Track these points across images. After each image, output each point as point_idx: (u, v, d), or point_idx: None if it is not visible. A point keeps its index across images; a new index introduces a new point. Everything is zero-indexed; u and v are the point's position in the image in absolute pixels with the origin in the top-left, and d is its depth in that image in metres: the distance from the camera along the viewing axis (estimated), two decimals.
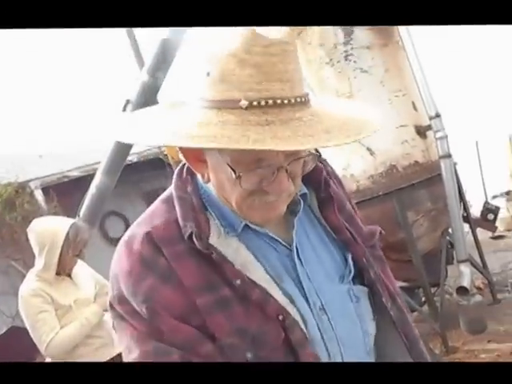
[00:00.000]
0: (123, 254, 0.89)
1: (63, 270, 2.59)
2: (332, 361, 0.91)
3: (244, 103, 0.76)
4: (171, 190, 0.94)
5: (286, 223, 0.95)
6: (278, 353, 0.86)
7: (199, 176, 0.91)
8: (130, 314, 0.87)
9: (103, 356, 2.44)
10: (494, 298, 4.32)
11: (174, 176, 0.94)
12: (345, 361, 0.93)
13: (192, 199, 0.90)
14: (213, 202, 0.91)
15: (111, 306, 0.91)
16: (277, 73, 0.77)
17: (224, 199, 0.90)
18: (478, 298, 3.74)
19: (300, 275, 0.92)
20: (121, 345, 0.90)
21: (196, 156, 0.87)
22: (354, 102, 0.97)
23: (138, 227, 0.91)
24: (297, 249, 0.94)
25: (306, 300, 0.91)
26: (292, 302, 0.89)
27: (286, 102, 0.77)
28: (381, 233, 1.08)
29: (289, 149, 0.76)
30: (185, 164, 0.94)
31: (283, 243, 0.93)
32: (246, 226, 0.90)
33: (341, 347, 0.92)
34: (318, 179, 0.99)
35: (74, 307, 2.52)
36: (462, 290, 3.67)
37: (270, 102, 0.77)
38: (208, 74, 0.79)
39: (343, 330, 0.93)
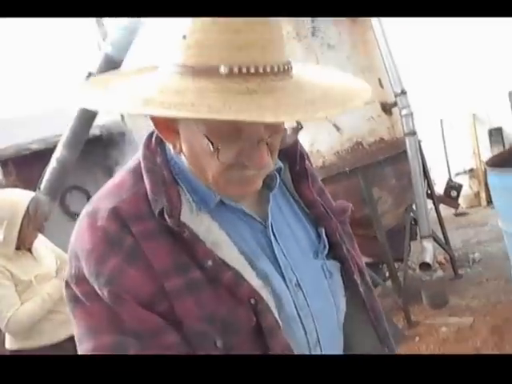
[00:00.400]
0: (85, 229, 0.82)
1: (23, 245, 2.51)
2: (308, 337, 0.90)
3: (224, 70, 0.70)
4: (138, 159, 0.87)
5: (260, 198, 0.92)
6: (248, 340, 0.83)
7: (170, 147, 0.84)
8: (89, 296, 0.81)
9: (65, 332, 2.39)
10: (455, 273, 4.43)
11: (142, 145, 0.88)
12: (319, 337, 0.91)
13: (162, 171, 0.84)
14: (184, 176, 0.85)
15: (67, 285, 0.84)
16: (259, 38, 0.72)
17: (198, 172, 0.84)
18: (440, 273, 3.83)
19: (276, 252, 0.89)
20: (75, 331, 0.83)
21: (168, 125, 0.81)
22: (335, 70, 0.92)
23: (103, 201, 0.84)
24: (272, 225, 0.90)
25: (283, 277, 0.89)
26: (267, 280, 0.86)
27: (268, 69, 0.72)
28: (352, 209, 1.07)
29: (278, 120, 0.71)
30: (153, 132, 0.88)
31: (258, 219, 0.90)
32: (220, 201, 0.85)
33: (316, 324, 0.91)
34: (293, 153, 0.96)
35: (35, 282, 2.46)
36: (424, 266, 3.75)
37: (252, 69, 0.71)
38: (184, 38, 0.73)
39: (317, 306, 0.92)
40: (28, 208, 2.46)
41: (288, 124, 0.84)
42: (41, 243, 2.63)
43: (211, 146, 0.76)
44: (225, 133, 0.76)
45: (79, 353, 0.81)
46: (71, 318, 0.85)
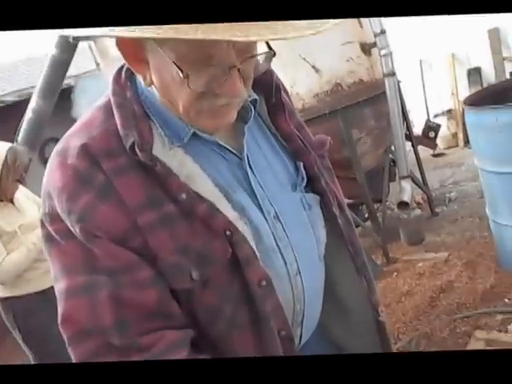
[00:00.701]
0: (56, 168, 0.82)
1: (4, 196, 2.50)
2: (288, 267, 0.91)
3: None
4: (108, 96, 0.85)
5: (236, 131, 0.91)
6: (225, 271, 0.84)
7: (140, 78, 0.82)
8: (63, 234, 0.80)
9: (50, 279, 2.42)
10: (432, 212, 4.53)
11: (111, 80, 0.86)
12: (299, 267, 0.93)
13: (132, 106, 0.82)
14: (156, 110, 0.84)
15: (42, 225, 0.84)
16: None
17: (169, 104, 0.82)
18: (418, 211, 3.92)
19: (252, 184, 0.89)
20: (51, 270, 0.84)
21: (137, 55, 0.78)
22: None
23: (73, 138, 0.83)
24: (247, 157, 0.90)
25: (260, 209, 0.89)
26: (244, 212, 0.86)
27: None
28: (330, 143, 1.07)
29: (247, 40, 0.68)
30: (122, 67, 0.86)
31: (233, 152, 0.89)
32: (194, 134, 0.84)
33: (295, 254, 0.92)
34: (268, 84, 0.94)
35: (20, 233, 2.47)
36: (402, 205, 3.83)
37: None
38: None
39: (297, 238, 0.93)
40: (6, 158, 2.43)
41: (260, 51, 0.82)
42: (22, 194, 2.62)
43: (181, 73, 0.74)
44: (194, 59, 0.74)
45: (56, 291, 0.82)
46: (48, 258, 0.85)
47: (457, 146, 6.41)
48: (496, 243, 3.26)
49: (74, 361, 0.80)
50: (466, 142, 5.91)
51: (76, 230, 0.79)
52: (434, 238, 4.01)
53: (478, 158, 3.10)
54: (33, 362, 2.56)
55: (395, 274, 3.63)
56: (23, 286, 2.47)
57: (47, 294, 2.36)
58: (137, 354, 0.77)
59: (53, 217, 0.81)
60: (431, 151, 6.13)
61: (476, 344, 2.55)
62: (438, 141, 6.13)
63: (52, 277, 0.84)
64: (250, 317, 0.86)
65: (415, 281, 3.44)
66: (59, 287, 0.82)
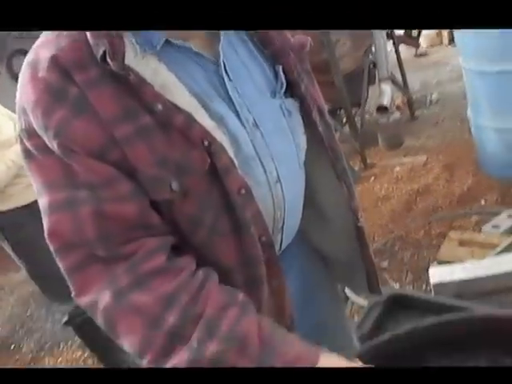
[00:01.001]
0: (28, 81, 0.79)
1: None
2: (268, 175, 0.91)
3: None
4: None
5: (211, 37, 0.88)
6: (204, 181, 0.83)
7: None
8: (41, 149, 0.79)
9: (33, 193, 2.42)
10: (412, 116, 4.52)
11: None
12: (279, 174, 0.93)
13: None
14: None
15: (21, 141, 0.83)
16: None
17: None
18: (397, 115, 3.90)
19: (229, 91, 0.87)
20: (34, 185, 0.83)
21: None
22: None
23: (42, 49, 0.79)
24: (224, 64, 0.87)
25: (238, 117, 0.88)
26: (222, 121, 0.85)
27: None
28: (310, 44, 1.03)
29: None
30: None
31: (209, 58, 0.86)
32: (167, 41, 0.81)
33: (275, 162, 0.92)
34: None
35: None
36: (381, 109, 3.81)
37: None
38: None
39: (277, 145, 0.92)
40: None
41: None
42: None
43: None
44: None
45: (40, 206, 0.83)
46: (29, 173, 0.85)
47: (441, 43, 6.28)
48: (476, 145, 3.26)
49: (62, 270, 0.82)
50: (451, 39, 5.79)
51: (53, 145, 0.78)
52: (413, 142, 4.02)
53: (463, 56, 3.03)
54: (24, 270, 2.64)
55: (372, 178, 3.66)
56: (5, 202, 2.48)
57: (32, 208, 2.37)
58: (120, 262, 0.79)
59: (30, 132, 0.80)
60: (413, 52, 6.02)
61: (450, 244, 2.63)
62: (421, 39, 6.00)
63: (35, 191, 0.84)
64: (230, 224, 0.87)
65: (392, 185, 3.47)
66: (42, 202, 0.82)
